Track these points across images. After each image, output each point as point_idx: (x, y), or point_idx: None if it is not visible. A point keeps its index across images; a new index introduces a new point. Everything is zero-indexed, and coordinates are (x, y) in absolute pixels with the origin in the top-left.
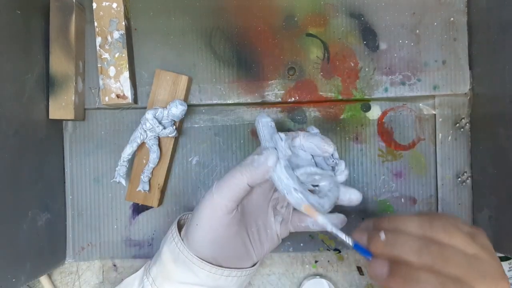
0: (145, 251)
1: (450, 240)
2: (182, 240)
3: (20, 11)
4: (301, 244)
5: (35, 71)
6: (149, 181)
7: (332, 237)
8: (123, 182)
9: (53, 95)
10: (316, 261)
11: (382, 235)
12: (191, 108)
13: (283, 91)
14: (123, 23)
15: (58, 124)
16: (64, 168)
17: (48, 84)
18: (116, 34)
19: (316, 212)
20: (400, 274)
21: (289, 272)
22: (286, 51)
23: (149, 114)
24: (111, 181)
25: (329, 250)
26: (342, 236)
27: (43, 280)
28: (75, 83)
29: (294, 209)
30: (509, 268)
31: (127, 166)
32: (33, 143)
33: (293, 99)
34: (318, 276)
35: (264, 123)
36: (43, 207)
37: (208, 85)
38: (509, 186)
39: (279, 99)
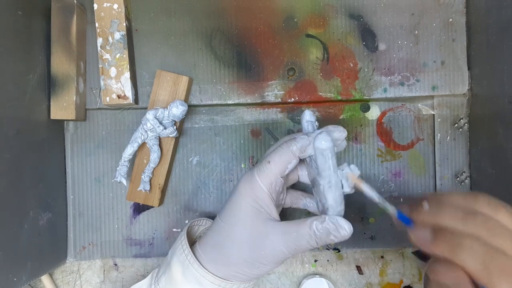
0: (146, 251)
1: (495, 214)
2: (192, 250)
3: (22, 12)
4: None
5: (37, 71)
6: (150, 181)
7: None
8: (124, 182)
9: (55, 96)
10: (315, 260)
11: (426, 205)
12: (191, 109)
13: (282, 92)
14: (124, 24)
15: (59, 124)
16: (65, 168)
17: (49, 85)
18: (117, 35)
19: (362, 182)
20: (444, 240)
21: (288, 272)
22: (285, 52)
23: (149, 115)
24: (112, 180)
25: (329, 250)
26: (386, 204)
27: (44, 279)
28: (76, 83)
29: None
30: None
31: (128, 166)
32: (35, 143)
33: (292, 99)
34: (317, 275)
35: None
36: (44, 206)
37: (208, 85)
38: (508, 186)
39: (279, 100)
